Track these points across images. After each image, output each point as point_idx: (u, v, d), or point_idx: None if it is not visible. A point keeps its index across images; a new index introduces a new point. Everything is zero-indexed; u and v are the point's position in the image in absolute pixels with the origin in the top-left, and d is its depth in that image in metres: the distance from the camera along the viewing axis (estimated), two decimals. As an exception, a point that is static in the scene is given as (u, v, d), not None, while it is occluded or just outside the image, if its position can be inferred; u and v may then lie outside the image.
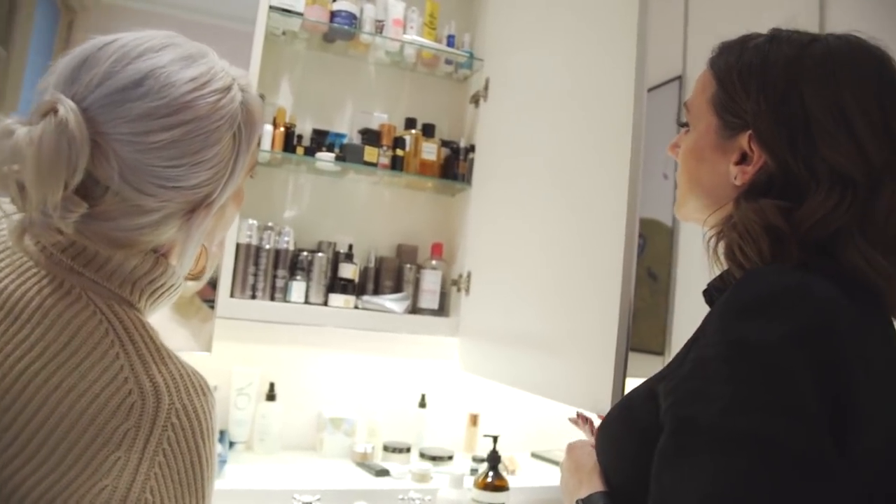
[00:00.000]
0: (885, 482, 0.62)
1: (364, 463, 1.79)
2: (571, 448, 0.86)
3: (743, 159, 0.73)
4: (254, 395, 1.83)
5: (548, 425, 2.16)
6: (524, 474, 1.87)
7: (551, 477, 1.87)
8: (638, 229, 1.27)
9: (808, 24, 0.79)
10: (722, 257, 0.73)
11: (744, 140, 0.72)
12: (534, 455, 2.07)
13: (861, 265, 0.66)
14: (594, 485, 0.74)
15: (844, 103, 0.67)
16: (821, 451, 0.55)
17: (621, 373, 1.25)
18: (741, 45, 0.76)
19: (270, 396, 1.84)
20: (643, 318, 2.10)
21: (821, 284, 0.62)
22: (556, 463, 1.99)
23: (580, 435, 0.99)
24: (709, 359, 0.61)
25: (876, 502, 0.59)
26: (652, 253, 2.07)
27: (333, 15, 1.87)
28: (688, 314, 1.88)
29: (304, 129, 1.93)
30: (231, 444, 1.80)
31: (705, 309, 0.71)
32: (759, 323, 0.60)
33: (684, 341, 0.69)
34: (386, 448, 1.87)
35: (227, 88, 0.70)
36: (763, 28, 0.77)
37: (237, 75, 0.73)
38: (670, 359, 0.70)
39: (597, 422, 1.15)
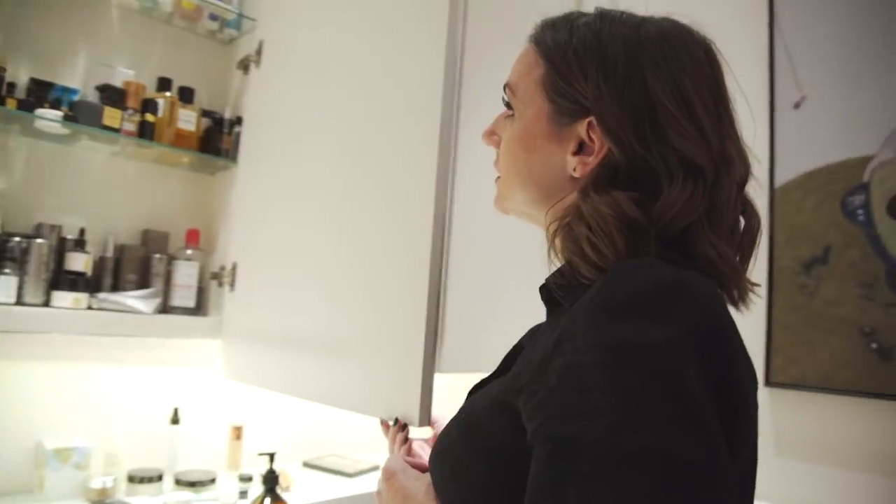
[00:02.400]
0: (746, 490, 0.59)
1: (103, 501, 1.44)
2: (392, 473, 0.72)
3: (580, 149, 0.66)
4: (-63, 428, 1.37)
5: (321, 431, 1.99)
6: (300, 489, 1.67)
7: (329, 488, 1.71)
8: (447, 220, 1.17)
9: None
10: (564, 252, 0.66)
11: (581, 128, 0.66)
12: (306, 465, 1.89)
13: (712, 256, 0.62)
14: None
15: (685, 88, 0.64)
16: (723, 463, 0.49)
17: (430, 377, 1.13)
18: (569, 22, 0.69)
19: (-37, 427, 1.39)
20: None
21: (697, 279, 0.57)
22: (330, 471, 1.83)
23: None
24: (583, 366, 0.52)
25: None
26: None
27: (61, -64, 1.47)
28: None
29: (18, 76, 1.49)
30: None
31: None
32: (642, 324, 0.52)
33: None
34: (132, 479, 1.53)
35: None
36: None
37: None
38: None
39: (414, 432, 1.02)
